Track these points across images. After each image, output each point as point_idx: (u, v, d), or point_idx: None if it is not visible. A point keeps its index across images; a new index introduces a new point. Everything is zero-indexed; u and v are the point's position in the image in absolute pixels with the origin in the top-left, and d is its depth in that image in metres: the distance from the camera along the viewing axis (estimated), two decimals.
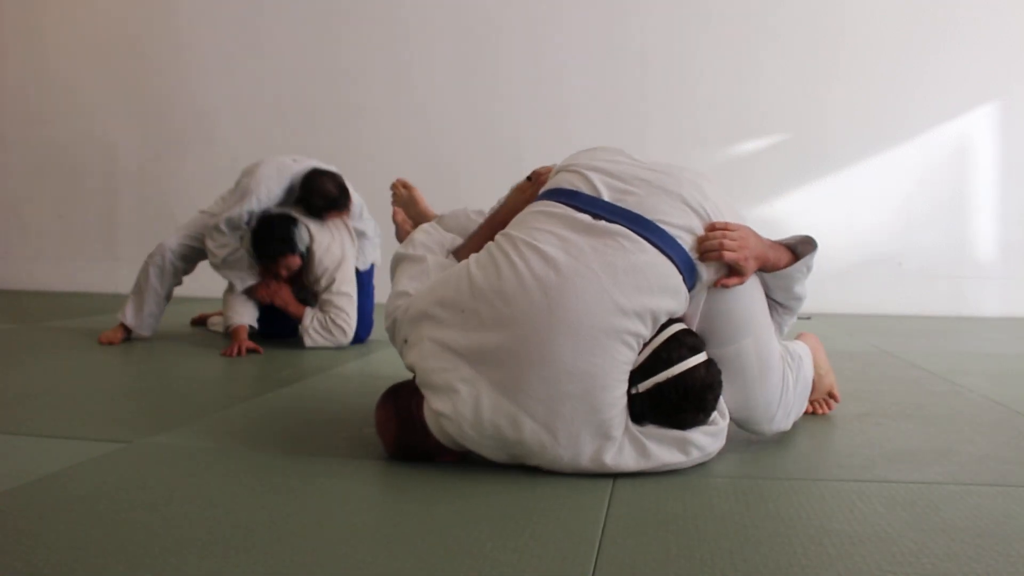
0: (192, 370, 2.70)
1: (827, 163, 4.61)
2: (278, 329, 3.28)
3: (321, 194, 3.18)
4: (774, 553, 1.16)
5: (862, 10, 4.54)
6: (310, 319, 3.14)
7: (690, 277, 1.49)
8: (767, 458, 1.67)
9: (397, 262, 1.73)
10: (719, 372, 1.53)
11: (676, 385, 1.45)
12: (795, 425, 1.92)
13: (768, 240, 1.61)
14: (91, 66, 5.27)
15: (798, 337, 1.96)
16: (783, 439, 1.80)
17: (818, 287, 4.47)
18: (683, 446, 1.50)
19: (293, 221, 3.10)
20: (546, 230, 1.49)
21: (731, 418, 1.63)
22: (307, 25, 4.96)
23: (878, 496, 1.41)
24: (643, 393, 1.45)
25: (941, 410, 2.11)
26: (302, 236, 3.11)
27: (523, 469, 1.53)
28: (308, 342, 3.12)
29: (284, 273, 3.13)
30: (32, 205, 5.41)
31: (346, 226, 3.26)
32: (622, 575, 1.10)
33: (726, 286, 1.52)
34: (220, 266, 3.17)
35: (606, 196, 1.52)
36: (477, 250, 1.57)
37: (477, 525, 1.26)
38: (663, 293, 1.45)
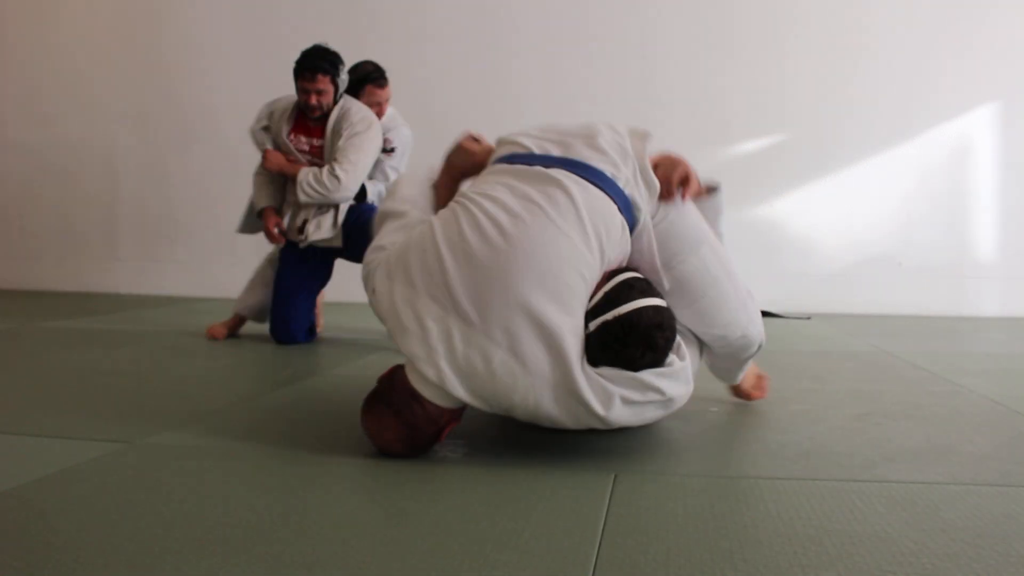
0: (192, 370, 2.70)
1: (827, 163, 4.60)
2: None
3: (356, 69, 3.29)
4: (774, 553, 1.16)
5: (862, 10, 4.54)
6: (305, 173, 3.09)
7: (628, 212, 1.64)
8: (767, 458, 1.67)
9: (382, 217, 1.81)
10: (671, 317, 1.60)
11: (621, 322, 1.52)
12: (796, 425, 1.93)
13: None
14: (92, 66, 5.27)
15: None
16: (783, 439, 1.80)
17: (818, 287, 4.57)
18: (639, 387, 1.52)
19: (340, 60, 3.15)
20: (495, 183, 1.64)
21: (719, 336, 1.76)
22: (307, 25, 4.96)
23: (878, 496, 1.41)
24: (593, 332, 1.52)
25: (941, 410, 2.11)
26: (343, 78, 3.15)
27: (523, 468, 1.54)
28: (300, 196, 3.08)
29: (314, 100, 3.08)
30: (33, 205, 5.42)
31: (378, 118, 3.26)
32: (622, 575, 1.10)
33: (684, 197, 1.72)
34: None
35: (536, 150, 1.70)
36: (442, 205, 1.73)
37: (477, 525, 1.26)
38: (603, 222, 1.58)
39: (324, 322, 3.58)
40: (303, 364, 2.82)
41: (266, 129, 3.26)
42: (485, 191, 1.62)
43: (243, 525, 1.26)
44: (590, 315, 1.53)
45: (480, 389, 1.50)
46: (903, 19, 4.51)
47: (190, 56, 5.13)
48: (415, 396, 1.53)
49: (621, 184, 1.64)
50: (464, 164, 1.88)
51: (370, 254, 1.70)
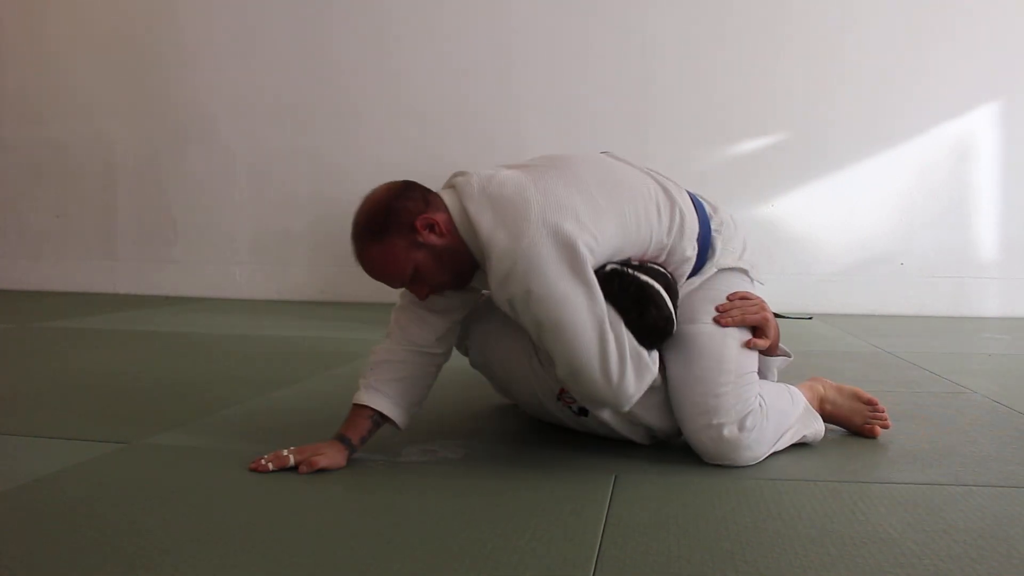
0: (192, 370, 2.70)
1: (827, 163, 4.60)
2: None
3: None
4: (775, 555, 1.16)
5: (863, 8, 4.54)
6: None
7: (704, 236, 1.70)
8: (767, 460, 1.67)
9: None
10: (668, 306, 1.53)
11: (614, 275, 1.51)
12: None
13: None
14: (90, 66, 5.26)
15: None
16: None
17: (818, 287, 4.57)
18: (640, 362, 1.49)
19: None
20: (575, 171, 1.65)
21: (699, 427, 1.57)
22: (307, 24, 4.96)
23: (880, 497, 1.40)
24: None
25: (943, 411, 2.11)
26: None
27: (523, 468, 1.53)
28: None
29: None
30: (31, 205, 5.41)
31: None
32: None
33: (756, 347, 1.64)
34: None
35: None
36: None
37: (477, 525, 1.26)
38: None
39: (323, 323, 3.57)
40: (303, 364, 2.82)
41: None
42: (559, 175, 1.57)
43: (243, 525, 1.26)
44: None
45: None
46: (903, 18, 4.51)
47: (188, 56, 5.12)
48: None
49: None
50: None
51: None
